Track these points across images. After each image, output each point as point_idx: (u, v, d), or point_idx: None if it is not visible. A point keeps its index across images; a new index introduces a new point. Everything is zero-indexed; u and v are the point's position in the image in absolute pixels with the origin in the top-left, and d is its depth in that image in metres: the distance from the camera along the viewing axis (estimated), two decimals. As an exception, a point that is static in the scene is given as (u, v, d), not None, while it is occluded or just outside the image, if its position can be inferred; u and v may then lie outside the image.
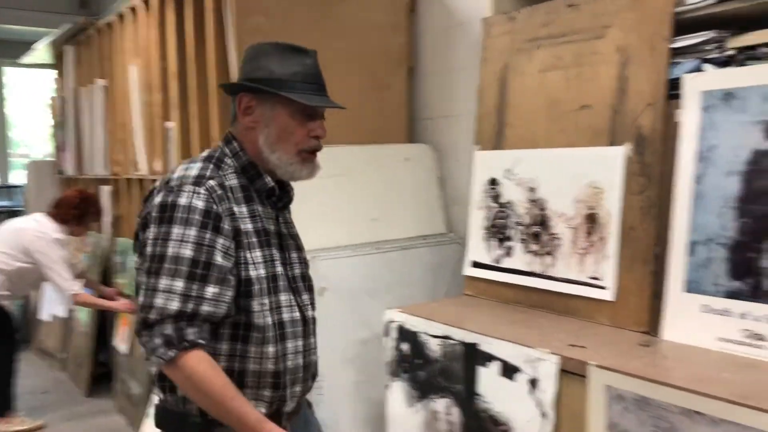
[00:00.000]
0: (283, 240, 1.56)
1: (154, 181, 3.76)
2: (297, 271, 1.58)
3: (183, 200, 1.38)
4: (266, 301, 1.46)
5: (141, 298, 1.39)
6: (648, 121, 1.91)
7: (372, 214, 2.77)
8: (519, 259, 2.23)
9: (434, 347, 2.05)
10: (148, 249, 1.39)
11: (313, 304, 1.62)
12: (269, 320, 1.46)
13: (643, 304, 1.88)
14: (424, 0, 3.10)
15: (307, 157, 1.52)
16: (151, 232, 1.39)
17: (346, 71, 2.81)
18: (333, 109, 1.56)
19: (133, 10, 3.88)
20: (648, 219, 1.89)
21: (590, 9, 2.09)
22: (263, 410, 1.46)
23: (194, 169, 1.46)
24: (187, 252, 1.36)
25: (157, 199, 1.42)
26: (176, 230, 1.37)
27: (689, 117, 1.79)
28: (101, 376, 4.50)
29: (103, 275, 4.43)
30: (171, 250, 1.36)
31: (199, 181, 1.42)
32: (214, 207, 1.40)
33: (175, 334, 1.34)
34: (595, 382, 1.60)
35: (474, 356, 1.92)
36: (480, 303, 2.31)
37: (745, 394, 1.37)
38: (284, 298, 1.50)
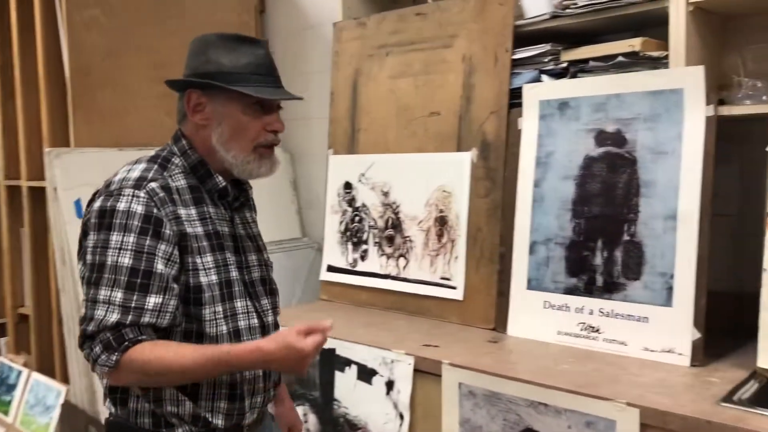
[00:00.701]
0: (240, 242, 1.49)
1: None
2: (256, 274, 1.50)
3: (122, 205, 1.31)
4: (219, 308, 1.38)
5: (82, 309, 1.31)
6: (492, 128, 2.01)
7: (223, 220, 2.67)
8: (374, 262, 2.25)
9: (290, 354, 2.01)
10: (88, 257, 1.31)
11: (275, 308, 1.55)
12: (223, 329, 1.39)
13: (490, 301, 1.97)
14: (275, 1, 3.05)
15: (264, 153, 1.46)
16: (91, 239, 1.32)
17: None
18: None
19: (-56, -6, 3.47)
20: (493, 221, 1.99)
21: (437, 18, 2.16)
22: (220, 423, 1.39)
23: (136, 170, 1.37)
24: (126, 260, 1.28)
25: (97, 204, 1.34)
26: (115, 237, 1.29)
27: (529, 124, 1.90)
28: None
29: None
30: (110, 259, 1.29)
31: (139, 183, 1.34)
32: (155, 211, 1.32)
33: (113, 337, 1.27)
34: (449, 380, 1.65)
35: (331, 362, 1.91)
36: (336, 307, 2.31)
37: (583, 384, 1.47)
38: (240, 304, 1.43)
